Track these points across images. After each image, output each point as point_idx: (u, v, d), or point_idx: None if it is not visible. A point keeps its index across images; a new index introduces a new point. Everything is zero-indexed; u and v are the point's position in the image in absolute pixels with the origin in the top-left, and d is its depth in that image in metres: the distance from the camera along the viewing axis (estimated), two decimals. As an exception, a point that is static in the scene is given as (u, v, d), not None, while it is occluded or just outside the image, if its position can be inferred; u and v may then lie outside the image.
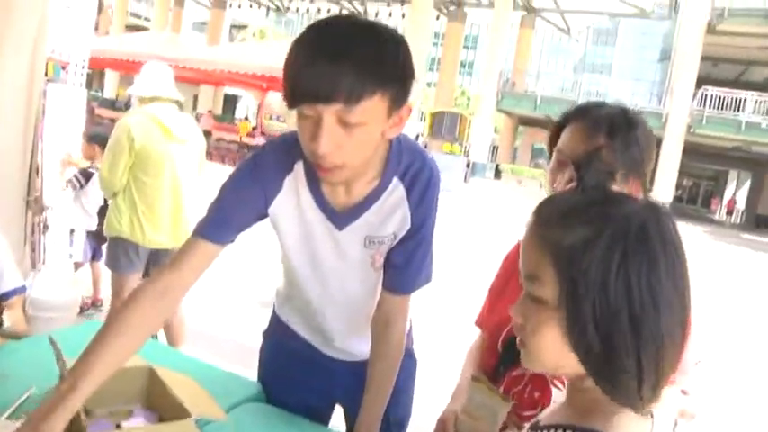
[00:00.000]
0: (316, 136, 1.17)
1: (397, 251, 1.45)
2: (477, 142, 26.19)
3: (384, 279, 1.49)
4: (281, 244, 1.50)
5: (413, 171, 1.41)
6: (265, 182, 1.40)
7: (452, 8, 30.08)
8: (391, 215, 1.42)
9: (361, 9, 33.00)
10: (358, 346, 1.59)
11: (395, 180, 1.40)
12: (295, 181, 1.41)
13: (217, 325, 4.45)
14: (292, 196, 1.41)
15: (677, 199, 24.99)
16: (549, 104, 25.88)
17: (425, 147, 23.14)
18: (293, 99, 1.17)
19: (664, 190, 23.91)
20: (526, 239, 0.84)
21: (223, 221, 1.38)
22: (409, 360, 1.65)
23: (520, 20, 29.94)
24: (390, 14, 34.21)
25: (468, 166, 23.24)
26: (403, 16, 30.89)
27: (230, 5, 34.86)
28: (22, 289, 1.94)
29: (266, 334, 1.77)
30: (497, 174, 29.12)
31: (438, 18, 31.16)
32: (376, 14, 35.63)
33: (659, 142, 23.85)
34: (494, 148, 34.16)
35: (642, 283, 0.75)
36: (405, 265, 1.45)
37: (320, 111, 1.15)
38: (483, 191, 22.68)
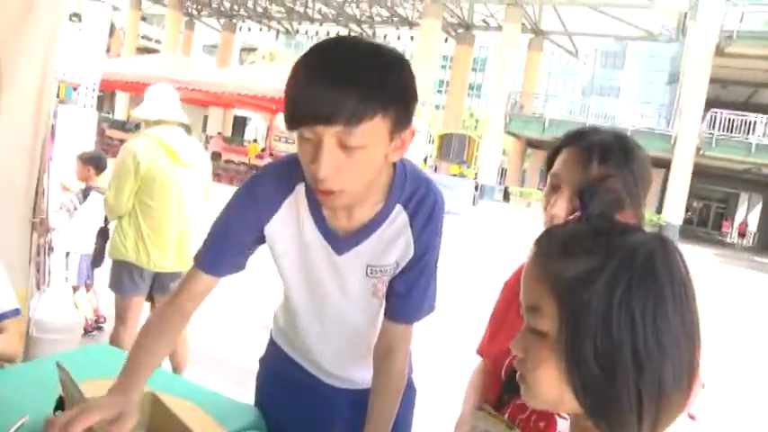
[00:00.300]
0: (316, 158, 1.15)
1: (400, 279, 1.42)
2: (486, 164, 26.21)
3: (386, 307, 1.45)
4: (278, 267, 1.47)
5: (417, 198, 1.38)
6: (262, 204, 1.38)
7: (461, 31, 30.29)
8: (394, 243, 1.38)
9: (370, 32, 33.28)
10: (360, 374, 1.55)
11: (398, 207, 1.37)
12: (295, 203, 1.38)
13: (220, 348, 4.41)
14: (291, 218, 1.39)
15: (687, 221, 24.85)
16: (558, 127, 25.86)
17: (435, 169, 23.30)
18: (293, 121, 1.15)
19: (673, 212, 23.81)
20: (527, 270, 0.81)
21: (219, 253, 1.38)
22: (409, 390, 1.60)
23: (528, 42, 30.08)
24: (399, 37, 34.49)
25: (476, 188, 23.22)
26: (411, 39, 31.14)
27: (240, 28, 35.24)
28: (16, 312, 1.91)
29: (263, 360, 1.73)
30: (506, 196, 29.08)
31: (446, 41, 31.37)
32: (384, 37, 35.92)
33: (668, 164, 23.81)
34: (502, 170, 34.19)
35: (647, 319, 0.71)
36: (407, 294, 1.42)
37: (320, 133, 1.13)
38: (491, 214, 22.63)
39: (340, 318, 1.49)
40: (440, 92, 50.88)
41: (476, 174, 24.44)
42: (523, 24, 27.48)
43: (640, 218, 1.32)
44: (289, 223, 1.39)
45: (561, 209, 1.31)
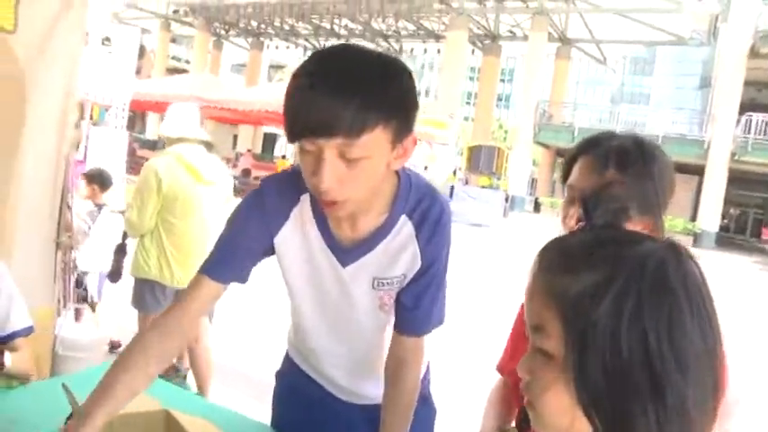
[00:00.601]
0: (317, 171, 1.13)
1: (408, 292, 1.39)
2: (516, 175, 26.04)
3: (395, 321, 1.42)
4: (285, 279, 1.44)
5: (422, 209, 1.35)
6: (269, 214, 1.36)
7: (487, 42, 30.24)
8: (400, 255, 1.36)
9: (396, 46, 33.43)
10: (373, 390, 1.51)
11: (403, 218, 1.35)
12: (301, 213, 1.37)
13: (243, 363, 4.39)
14: (298, 229, 1.37)
15: (724, 229, 24.33)
16: (587, 135, 25.60)
17: (465, 182, 23.23)
18: (293, 134, 1.13)
19: (708, 220, 23.37)
20: (530, 287, 0.75)
21: (226, 259, 1.36)
22: (428, 410, 1.57)
23: (555, 51, 29.91)
24: (426, 51, 34.58)
25: (506, 199, 23.07)
26: (438, 52, 31.19)
27: (267, 47, 35.64)
28: (29, 329, 1.91)
29: (279, 375, 1.71)
30: (537, 207, 28.83)
31: (473, 52, 31.35)
32: (411, 51, 36.08)
33: (701, 170, 23.40)
34: (533, 181, 33.94)
35: (661, 334, 0.65)
36: (416, 307, 1.39)
37: (321, 145, 1.11)
38: (522, 225, 22.45)
39: (348, 332, 1.47)
40: (468, 104, 50.82)
41: (505, 184, 24.30)
42: (550, 33, 27.33)
43: (661, 227, 1.25)
44: (296, 234, 1.37)
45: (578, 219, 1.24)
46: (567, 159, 1.37)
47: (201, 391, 3.63)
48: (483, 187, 22.11)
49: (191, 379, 3.79)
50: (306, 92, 1.11)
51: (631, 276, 0.66)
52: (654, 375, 0.64)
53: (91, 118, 14.75)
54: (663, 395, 0.64)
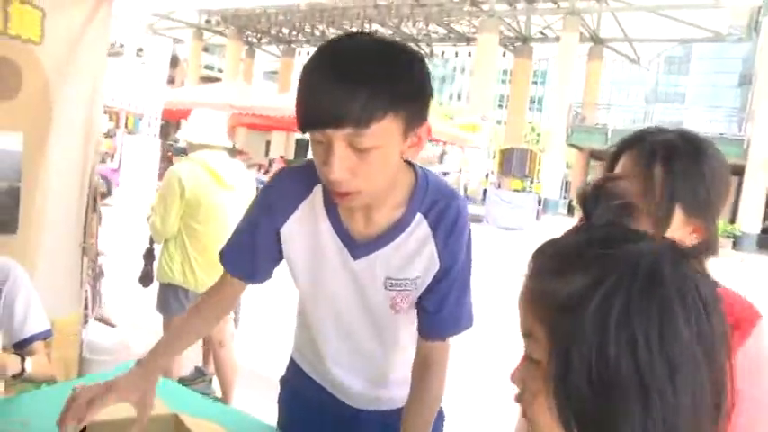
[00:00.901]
0: (327, 161, 1.12)
1: (430, 295, 1.36)
2: (549, 178, 25.77)
3: (419, 324, 1.40)
4: (292, 275, 1.44)
5: (438, 208, 1.33)
6: (279, 204, 1.37)
7: (518, 44, 30.05)
8: (416, 256, 1.33)
9: (427, 50, 33.40)
10: (385, 394, 1.50)
11: (418, 216, 1.32)
12: (312, 205, 1.36)
13: (270, 367, 4.39)
14: (308, 221, 1.36)
15: (766, 230, 23.66)
16: (621, 137, 25.22)
17: (498, 185, 23.04)
18: (303, 124, 1.13)
19: (749, 221, 22.81)
20: (521, 291, 0.73)
21: (238, 251, 1.42)
22: (437, 416, 1.51)
23: (587, 52, 29.56)
24: (457, 54, 34.46)
25: (539, 202, 22.83)
26: (469, 55, 31.07)
27: (299, 53, 35.89)
28: (48, 333, 1.94)
29: (283, 381, 1.69)
30: (570, 210, 28.48)
31: (504, 55, 31.17)
32: (442, 55, 36.01)
33: (741, 170, 22.87)
34: (566, 183, 33.57)
35: (652, 343, 0.60)
36: (439, 310, 1.36)
37: (330, 136, 1.10)
38: (555, 228, 22.14)
39: (356, 329, 1.44)
40: (500, 107, 50.51)
41: (537, 186, 24.06)
42: (582, 34, 27.02)
43: (714, 231, 1.17)
44: (305, 226, 1.36)
45: None
46: (611, 156, 1.28)
47: (225, 395, 3.66)
48: (516, 191, 21.92)
49: (215, 384, 3.82)
50: (314, 83, 1.11)
51: (620, 278, 0.63)
52: (642, 381, 0.60)
53: (126, 127, 15.05)
54: (650, 404, 0.61)
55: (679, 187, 1.13)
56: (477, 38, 27.78)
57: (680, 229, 1.14)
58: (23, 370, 1.72)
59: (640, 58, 32.22)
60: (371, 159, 1.13)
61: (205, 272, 3.30)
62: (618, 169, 1.24)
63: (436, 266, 1.34)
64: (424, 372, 1.38)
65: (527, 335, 0.70)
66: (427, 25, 30.19)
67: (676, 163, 1.15)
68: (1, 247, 1.97)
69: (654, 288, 0.62)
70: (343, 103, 1.07)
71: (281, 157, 27.45)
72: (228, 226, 3.39)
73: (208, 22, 34.49)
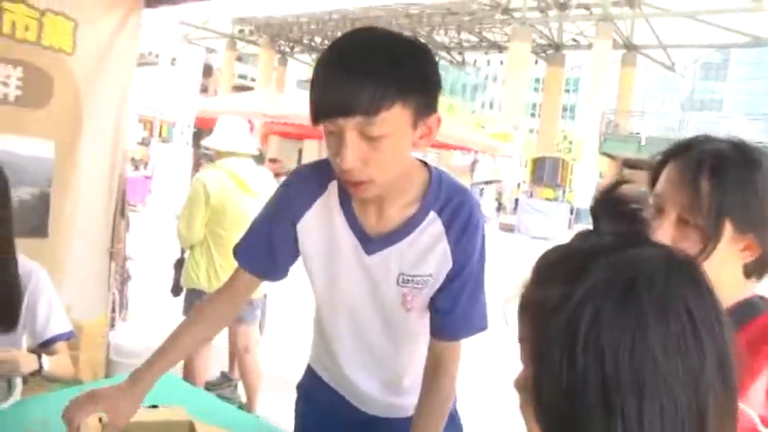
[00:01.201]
0: (340, 151, 1.16)
1: (442, 294, 1.37)
2: (581, 187, 25.49)
3: (431, 324, 1.40)
4: (308, 273, 1.46)
5: (452, 207, 1.34)
6: (294, 201, 1.40)
7: (550, 52, 29.87)
8: (429, 253, 1.34)
9: (459, 58, 33.40)
10: (400, 401, 1.50)
11: (432, 214, 1.34)
12: (327, 201, 1.38)
13: (295, 373, 4.41)
14: (323, 217, 1.39)
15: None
16: (655, 145, 24.85)
17: (530, 194, 22.89)
18: (315, 115, 1.17)
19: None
20: (520, 297, 0.72)
21: (252, 247, 1.46)
22: (454, 429, 1.52)
23: (621, 58, 29.22)
24: (488, 62, 34.37)
25: (571, 212, 22.62)
26: (501, 63, 30.98)
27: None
28: (70, 334, 1.99)
29: (300, 386, 1.71)
30: (603, 218, 28.08)
31: (536, 63, 31.01)
32: (474, 63, 35.95)
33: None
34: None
35: (621, 357, 0.58)
36: (451, 309, 1.37)
37: (341, 125, 1.14)
38: (587, 237, 21.87)
39: (370, 328, 1.44)
40: (532, 115, 50.18)
41: (568, 196, 23.83)
42: (615, 40, 26.71)
43: (766, 245, 1.09)
44: (320, 221, 1.39)
45: (666, 235, 1.10)
46: (656, 166, 1.21)
47: (250, 400, 3.69)
48: (547, 200, 21.75)
49: (241, 389, 3.86)
50: (324, 75, 1.15)
51: (595, 287, 0.60)
52: (606, 399, 0.58)
53: (160, 135, 15.32)
54: (612, 423, 0.58)
55: (729, 200, 1.06)
56: (509, 46, 27.68)
57: (730, 246, 1.08)
58: (41, 368, 1.76)
59: (675, 64, 31.75)
60: (383, 148, 1.16)
61: (229, 278, 3.33)
62: (661, 180, 1.18)
63: (449, 265, 1.35)
64: (435, 373, 1.39)
65: (520, 341, 0.70)
66: (459, 33, 30.21)
67: (726, 174, 1.08)
68: (32, 250, 2.01)
69: (629, 299, 0.60)
70: (352, 92, 1.11)
71: (313, 164, 27.61)
72: None
73: (241, 31, 34.95)
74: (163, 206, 11.09)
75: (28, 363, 1.73)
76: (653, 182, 1.21)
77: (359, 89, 1.10)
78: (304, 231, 1.40)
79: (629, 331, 0.59)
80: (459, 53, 33.21)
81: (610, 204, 0.70)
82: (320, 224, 1.39)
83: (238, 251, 1.47)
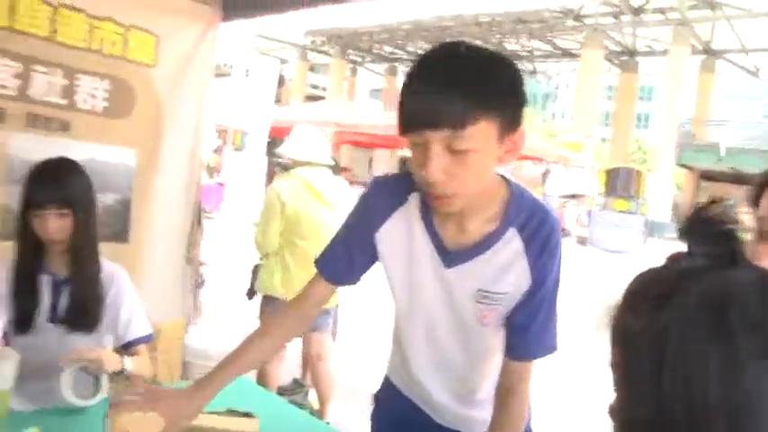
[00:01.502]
0: (425, 163, 1.17)
1: (518, 313, 1.36)
2: (656, 199, 24.72)
3: (505, 344, 1.40)
4: (388, 282, 1.48)
5: (533, 225, 1.33)
6: (374, 211, 1.43)
7: (624, 58, 29.13)
8: (507, 270, 1.34)
9: (530, 67, 33.02)
10: (477, 414, 1.49)
11: (512, 230, 1.33)
12: (407, 212, 1.40)
13: (367, 381, 4.41)
14: (402, 228, 1.40)
15: None
16: (736, 156, 23.91)
17: (603, 206, 22.35)
18: (402, 127, 1.19)
19: None
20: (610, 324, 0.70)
21: (333, 257, 1.48)
22: None
23: (699, 65, 28.21)
24: (560, 71, 33.84)
25: (646, 225, 21.96)
26: (573, 71, 30.44)
27: (402, 72, 36.33)
28: (150, 337, 2.07)
29: (376, 397, 1.72)
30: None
31: (609, 70, 30.31)
32: (545, 71, 35.46)
33: None
34: (676, 205, 32.15)
35: (710, 382, 0.56)
36: (526, 329, 1.36)
37: (427, 137, 1.15)
38: (663, 253, 21.15)
39: (444, 341, 1.45)
40: (605, 124, 49.06)
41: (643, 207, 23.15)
42: (693, 45, 25.79)
43: None
44: (400, 231, 1.41)
45: None
46: (756, 187, 1.15)
47: (322, 408, 3.73)
48: (621, 212, 21.20)
49: (312, 396, 3.91)
50: (413, 86, 1.17)
51: (683, 313, 0.59)
52: (694, 423, 0.57)
53: (233, 143, 15.71)
54: None
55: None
56: (581, 53, 27.17)
57: None
58: (123, 368, 1.84)
59: (759, 69, 30.45)
60: (468, 162, 1.16)
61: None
62: (763, 202, 1.10)
63: (527, 283, 1.34)
64: (507, 393, 1.38)
65: (612, 366, 0.68)
66: (529, 41, 29.85)
67: None
68: (113, 254, 2.12)
69: (720, 324, 0.57)
70: (440, 105, 1.13)
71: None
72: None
73: (313, 42, 35.53)
74: (236, 213, 11.37)
75: (112, 362, 1.81)
76: (755, 199, 1.13)
77: (447, 102, 1.12)
78: (383, 241, 1.43)
79: (717, 356, 0.57)
80: (530, 62, 32.81)
81: (702, 224, 0.66)
82: (400, 234, 1.41)
83: (319, 262, 1.51)
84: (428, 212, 1.37)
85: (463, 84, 1.13)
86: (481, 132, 1.14)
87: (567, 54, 30.49)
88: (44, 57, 2.67)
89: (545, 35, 28.48)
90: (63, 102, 2.75)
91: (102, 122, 2.86)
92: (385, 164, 32.46)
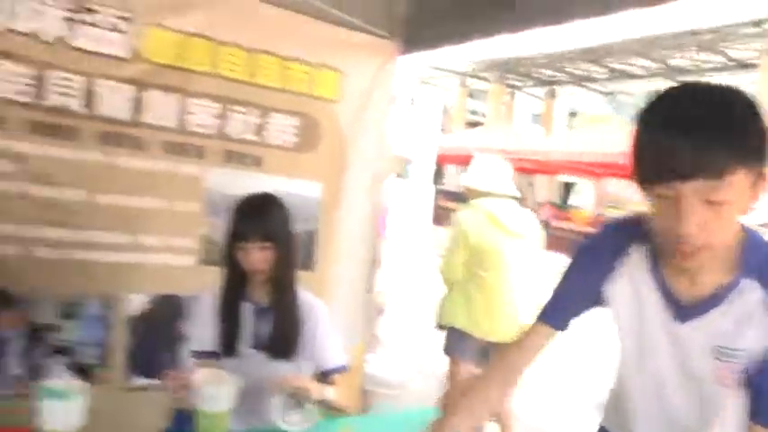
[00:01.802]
0: (678, 216, 1.09)
1: (763, 371, 1.22)
2: None
3: (750, 405, 1.26)
4: (618, 334, 1.41)
5: None
6: (599, 264, 1.38)
7: (815, 68, 26.47)
8: (746, 323, 1.21)
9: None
10: None
11: (749, 279, 1.21)
12: (631, 264, 1.33)
13: (548, 424, 4.27)
14: (628, 280, 1.34)
15: None
16: None
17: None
18: (648, 179, 1.11)
19: None
20: None
21: (559, 306, 1.44)
22: None
23: None
24: (736, 86, 31.40)
25: None
26: (750, 84, 28.13)
27: (560, 95, 35.46)
28: (344, 367, 2.11)
29: None
30: None
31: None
32: (720, 86, 33.03)
33: None
34: None
35: None
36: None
37: (679, 189, 1.07)
38: None
39: (674, 401, 1.34)
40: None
41: None
42: None
43: None
44: (626, 284, 1.35)
45: None
46: None
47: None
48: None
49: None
50: (662, 134, 1.09)
51: None
52: None
53: (395, 172, 16.05)
54: None
55: None
56: (760, 63, 25.04)
57: None
58: (324, 398, 1.89)
59: None
60: (723, 213, 1.08)
61: (489, 319, 3.33)
62: None
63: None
64: None
65: None
66: (698, 54, 27.97)
67: None
68: (300, 281, 2.19)
69: None
70: (695, 153, 1.04)
71: (548, 203, 27.10)
72: (515, 274, 3.37)
73: (474, 69, 35.67)
74: (398, 240, 11.53)
75: (318, 391, 1.86)
76: None
77: (702, 150, 1.04)
78: (612, 295, 1.38)
79: None
80: (699, 76, 30.72)
81: None
82: (627, 287, 1.35)
83: (546, 309, 1.47)
84: (656, 263, 1.29)
85: (718, 128, 1.04)
86: (739, 182, 1.06)
87: (744, 65, 28.19)
88: (242, 97, 2.85)
89: (716, 46, 26.55)
90: (256, 138, 2.92)
91: (292, 157, 3.01)
92: (545, 190, 31.71)
